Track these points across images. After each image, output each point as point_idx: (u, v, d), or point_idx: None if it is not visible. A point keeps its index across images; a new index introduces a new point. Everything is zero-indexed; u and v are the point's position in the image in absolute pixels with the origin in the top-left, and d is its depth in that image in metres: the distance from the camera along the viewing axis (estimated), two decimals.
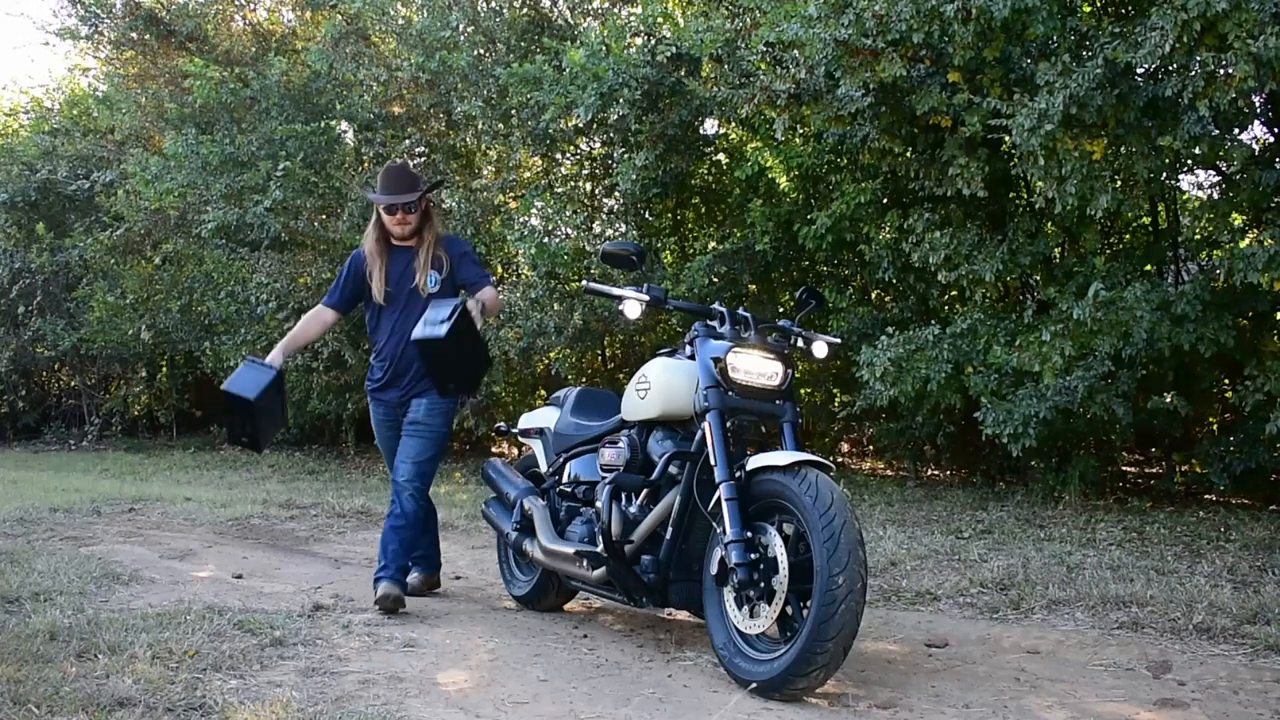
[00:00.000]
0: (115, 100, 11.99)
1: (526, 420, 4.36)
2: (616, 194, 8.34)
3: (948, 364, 6.07)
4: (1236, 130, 5.47)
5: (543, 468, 4.16)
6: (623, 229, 8.64)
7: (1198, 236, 6.56)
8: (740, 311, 3.51)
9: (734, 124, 7.98)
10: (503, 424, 4.64)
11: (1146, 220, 7.01)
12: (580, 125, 7.66)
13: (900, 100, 5.96)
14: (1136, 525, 5.50)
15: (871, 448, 9.29)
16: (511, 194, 9.02)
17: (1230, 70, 4.60)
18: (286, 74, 9.74)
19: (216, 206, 9.55)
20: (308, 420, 11.47)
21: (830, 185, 7.32)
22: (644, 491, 3.44)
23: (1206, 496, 6.57)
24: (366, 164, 9.75)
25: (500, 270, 10.05)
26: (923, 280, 6.82)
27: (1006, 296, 7.17)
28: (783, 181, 7.89)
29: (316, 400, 10.51)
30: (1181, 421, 6.38)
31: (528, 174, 9.26)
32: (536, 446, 4.24)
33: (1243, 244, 5.55)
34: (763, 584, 3.01)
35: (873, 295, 8.01)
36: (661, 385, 3.44)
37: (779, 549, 3.01)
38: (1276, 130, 5.91)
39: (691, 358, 3.41)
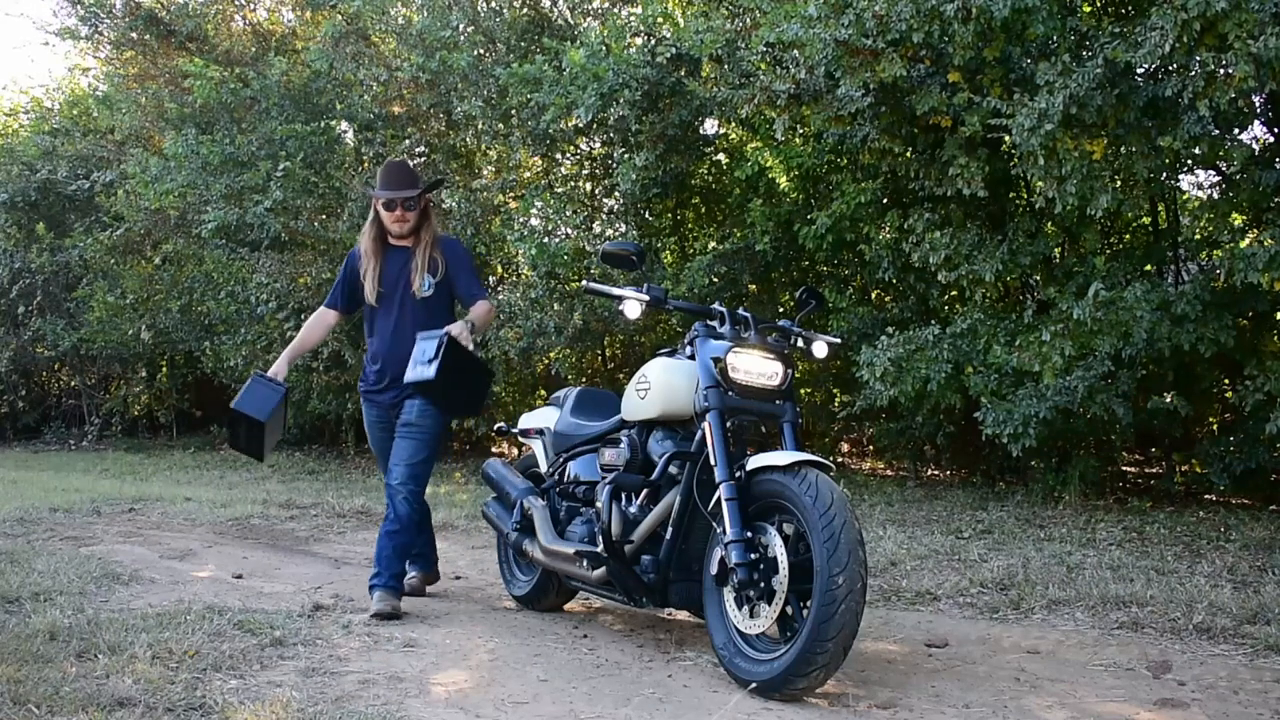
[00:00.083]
0: (115, 100, 11.99)
1: (526, 420, 4.36)
2: (616, 194, 8.34)
3: (948, 364, 6.07)
4: (1236, 130, 5.46)
5: (543, 468, 4.15)
6: (623, 229, 8.64)
7: (1198, 236, 6.55)
8: (740, 311, 3.50)
9: (734, 124, 7.98)
10: (503, 424, 4.62)
11: (1146, 220, 7.01)
12: (580, 125, 7.66)
13: (900, 100, 5.96)
14: (1136, 525, 5.50)
15: (871, 448, 9.29)
16: (511, 194, 9.02)
17: (1230, 70, 4.60)
18: (286, 74, 9.74)
19: (216, 206, 9.55)
20: (308, 420, 11.47)
21: (830, 185, 7.32)
22: (644, 491, 3.43)
23: (1206, 496, 6.57)
24: (366, 164, 9.75)
25: (500, 270, 10.06)
26: (923, 280, 6.81)
27: (1006, 296, 7.17)
28: (783, 181, 7.89)
29: (316, 400, 10.51)
30: (1181, 421, 6.38)
31: (528, 174, 9.26)
32: (536, 446, 4.23)
33: (1243, 244, 5.54)
34: (763, 584, 3.00)
35: (873, 295, 8.01)
36: (661, 385, 3.44)
37: (779, 549, 3.01)
38: (1276, 130, 5.90)
39: (691, 358, 3.41)
